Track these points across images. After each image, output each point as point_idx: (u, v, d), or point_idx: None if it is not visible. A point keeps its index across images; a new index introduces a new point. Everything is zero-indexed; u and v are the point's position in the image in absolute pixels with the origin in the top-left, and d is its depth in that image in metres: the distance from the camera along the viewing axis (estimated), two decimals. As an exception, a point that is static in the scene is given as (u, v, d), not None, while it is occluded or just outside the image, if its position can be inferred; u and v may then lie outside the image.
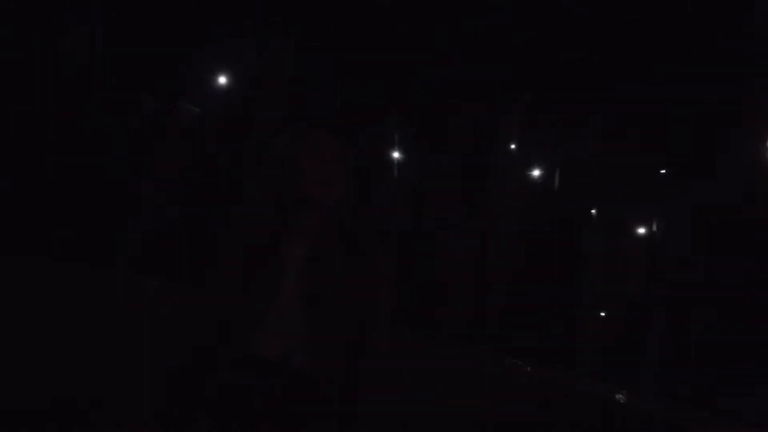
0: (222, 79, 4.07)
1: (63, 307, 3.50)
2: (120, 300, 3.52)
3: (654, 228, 5.10)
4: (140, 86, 4.02)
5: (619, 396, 3.73)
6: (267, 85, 4.09)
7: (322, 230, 2.60)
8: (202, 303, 2.67)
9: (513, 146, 4.94)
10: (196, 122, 4.01)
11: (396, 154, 4.47)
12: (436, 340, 3.97)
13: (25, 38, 3.92)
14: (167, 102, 4.03)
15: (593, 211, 5.09)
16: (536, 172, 5.06)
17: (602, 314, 4.99)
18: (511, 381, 3.70)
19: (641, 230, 5.12)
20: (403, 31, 4.21)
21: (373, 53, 4.17)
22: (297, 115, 4.02)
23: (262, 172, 2.68)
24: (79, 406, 3.24)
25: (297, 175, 2.57)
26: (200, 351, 2.59)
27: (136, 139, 4.00)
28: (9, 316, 3.45)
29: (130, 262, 3.82)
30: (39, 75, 3.94)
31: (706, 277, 4.87)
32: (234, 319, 2.56)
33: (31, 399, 3.27)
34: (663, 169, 5.12)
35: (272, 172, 2.63)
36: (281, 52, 4.11)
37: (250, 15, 4.09)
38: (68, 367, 3.39)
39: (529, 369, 3.86)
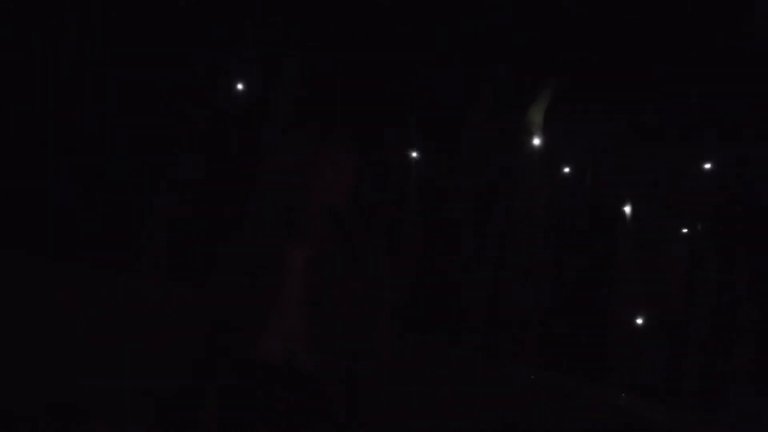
0: (227, 81, 4.06)
1: (64, 308, 3.50)
2: (122, 301, 3.52)
3: (697, 228, 4.65)
4: (144, 87, 4.01)
5: (638, 406, 3.69)
6: (274, 88, 4.06)
7: (326, 232, 2.60)
8: (204, 304, 2.68)
9: (536, 141, 4.60)
10: (200, 123, 4.00)
11: (405, 156, 4.29)
12: (437, 343, 3.91)
13: (30, 38, 3.92)
14: (170, 102, 4.02)
15: (626, 209, 4.71)
16: (563, 168, 4.63)
17: (638, 321, 4.66)
18: (515, 386, 3.70)
19: (682, 230, 4.69)
20: (408, 29, 4.15)
21: (378, 53, 4.13)
22: (303, 118, 4.01)
23: (268, 175, 2.68)
24: (80, 407, 3.24)
25: (304, 179, 2.58)
26: (202, 353, 2.60)
27: (139, 139, 3.99)
28: (9, 316, 3.45)
29: (132, 263, 3.81)
30: (42, 75, 3.94)
31: (753, 281, 4.56)
32: (236, 321, 2.56)
33: (31, 399, 3.27)
34: (707, 164, 4.69)
35: (279, 175, 2.63)
36: (287, 54, 4.09)
37: (252, 16, 4.08)
38: (69, 368, 3.39)
39: (532, 375, 3.85)
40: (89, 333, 3.45)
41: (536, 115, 4.47)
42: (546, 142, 4.50)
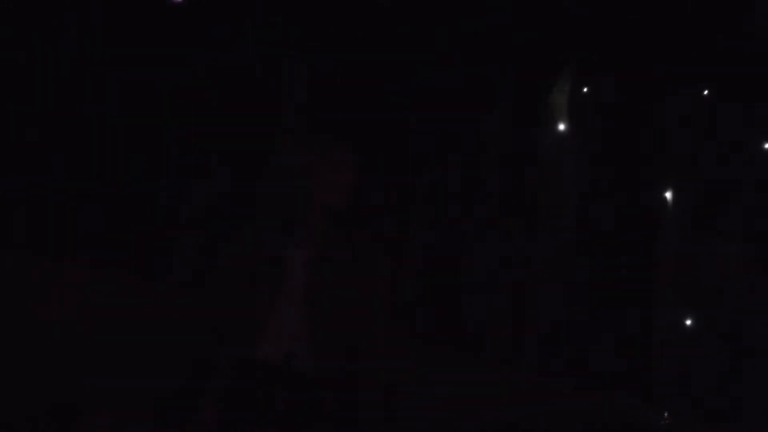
0: (227, 82, 4.05)
1: (65, 308, 3.50)
2: (122, 301, 3.53)
3: (750, 221, 4.14)
4: (144, 87, 4.01)
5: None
6: (274, 89, 4.05)
7: (326, 234, 2.61)
8: (205, 306, 2.68)
9: (560, 127, 4.19)
10: (199, 123, 4.00)
11: (408, 154, 4.19)
12: (437, 347, 3.84)
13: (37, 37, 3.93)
14: (170, 103, 4.03)
15: (668, 196, 4.17)
16: (593, 156, 4.16)
17: (685, 327, 4.08)
18: (516, 388, 3.70)
19: (732, 223, 4.17)
20: (409, 29, 4.13)
21: (379, 53, 4.12)
22: (304, 118, 4.01)
23: (269, 175, 2.68)
24: (80, 407, 3.25)
25: (305, 179, 2.59)
26: (203, 354, 2.60)
27: (137, 139, 3.99)
28: (9, 316, 3.46)
29: (132, 263, 3.81)
30: (42, 75, 3.95)
31: None
32: (236, 321, 2.56)
33: (31, 399, 3.27)
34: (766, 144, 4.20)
35: (280, 176, 2.64)
36: (288, 55, 4.08)
37: (252, 16, 4.09)
38: (69, 368, 3.40)
39: (535, 378, 3.83)
40: (89, 333, 3.46)
41: (559, 99, 4.14)
42: (572, 127, 4.12)
